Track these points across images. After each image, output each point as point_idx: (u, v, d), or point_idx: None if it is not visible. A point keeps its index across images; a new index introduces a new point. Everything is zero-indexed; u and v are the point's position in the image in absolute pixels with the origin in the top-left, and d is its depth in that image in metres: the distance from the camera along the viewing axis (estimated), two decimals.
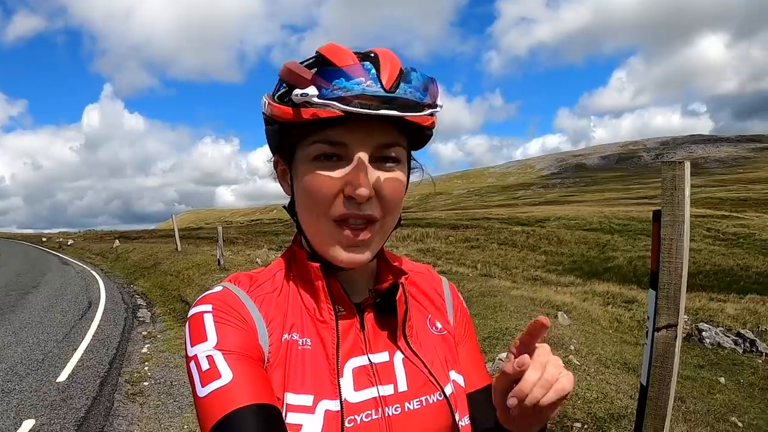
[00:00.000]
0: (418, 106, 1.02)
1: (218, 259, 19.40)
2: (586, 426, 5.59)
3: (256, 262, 19.88)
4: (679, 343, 2.96)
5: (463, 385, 1.20)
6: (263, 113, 1.12)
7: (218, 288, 1.13)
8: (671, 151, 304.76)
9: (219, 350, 0.99)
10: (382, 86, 0.98)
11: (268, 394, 0.98)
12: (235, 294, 1.11)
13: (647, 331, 3.09)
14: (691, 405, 7.48)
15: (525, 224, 45.34)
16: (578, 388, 6.50)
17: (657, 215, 3.03)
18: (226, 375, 0.95)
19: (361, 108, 0.96)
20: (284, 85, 1.06)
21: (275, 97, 1.07)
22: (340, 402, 1.04)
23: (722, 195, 74.84)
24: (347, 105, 0.96)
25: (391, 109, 0.98)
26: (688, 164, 2.92)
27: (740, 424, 7.16)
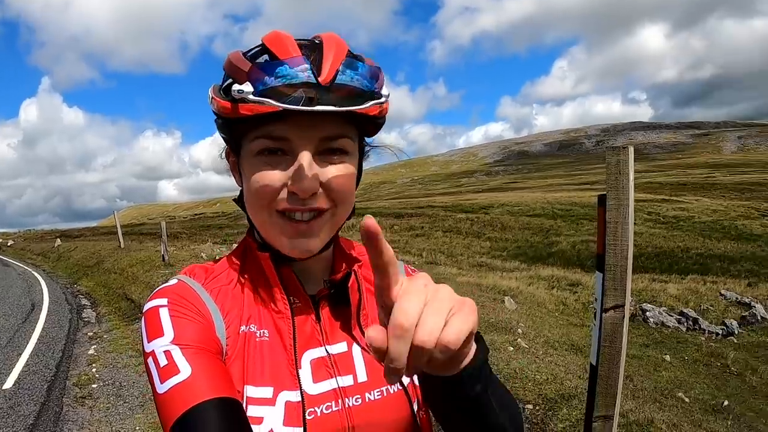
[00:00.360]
0: (362, 98, 0.99)
1: (162, 255, 19.17)
2: (537, 407, 5.69)
3: (201, 257, 19.70)
4: (626, 322, 3.04)
5: (416, 381, 1.14)
6: (210, 105, 1.08)
7: (173, 281, 1.11)
8: (612, 138, 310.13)
9: (176, 345, 0.97)
10: (321, 79, 0.95)
11: (228, 388, 0.95)
12: (191, 287, 1.09)
13: (595, 312, 3.16)
14: (639, 382, 7.67)
15: (469, 211, 45.74)
16: (528, 370, 6.61)
17: (602, 199, 3.08)
18: (185, 370, 0.93)
19: (298, 104, 0.94)
20: (229, 77, 1.03)
21: (222, 89, 1.04)
22: (301, 393, 1.03)
23: (662, 180, 76.47)
24: (285, 101, 0.94)
25: (329, 104, 0.95)
26: (631, 149, 2.99)
27: (687, 399, 7.38)
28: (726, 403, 7.47)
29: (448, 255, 28.52)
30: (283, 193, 1.02)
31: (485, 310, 10.58)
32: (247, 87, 0.95)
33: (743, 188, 58.28)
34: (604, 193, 3.07)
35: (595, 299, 3.18)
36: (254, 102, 0.95)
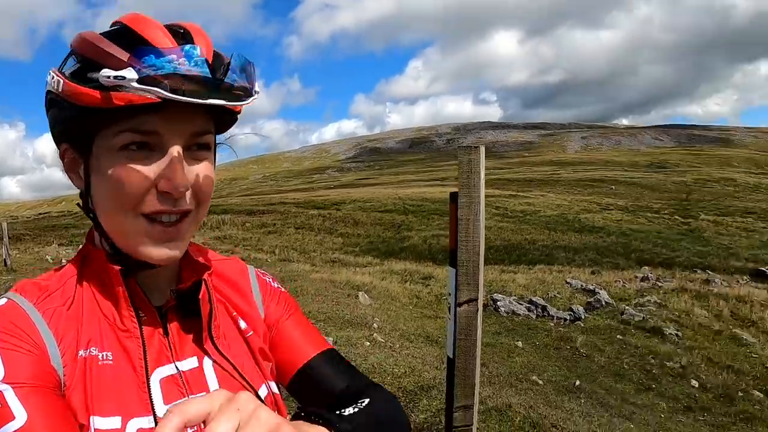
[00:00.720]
0: (241, 92, 0.93)
1: (4, 260, 18.07)
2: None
3: (47, 260, 18.73)
4: (480, 315, 3.14)
5: (276, 391, 1.13)
6: (52, 92, 0.96)
7: (2, 300, 0.96)
8: (462, 136, 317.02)
9: (9, 384, 0.85)
10: (210, 70, 0.87)
11: (69, 431, 0.87)
12: (22, 308, 0.94)
13: (450, 307, 3.24)
14: (494, 369, 7.97)
15: (321, 208, 45.66)
16: (386, 364, 6.70)
17: (454, 197, 3.15)
18: (21, 416, 0.83)
19: (186, 95, 0.85)
20: (79, 60, 0.92)
21: (68, 74, 0.92)
22: (154, 417, 0.95)
23: (510, 176, 79.06)
24: (171, 91, 0.84)
25: (219, 98, 0.88)
26: (482, 149, 3.08)
27: (541, 382, 7.76)
28: (578, 383, 7.94)
29: (300, 252, 28.47)
30: (151, 194, 0.93)
31: (340, 306, 10.62)
32: (130, 73, 0.84)
33: (585, 184, 61.46)
34: (457, 190, 3.14)
35: (449, 294, 3.26)
36: (136, 91, 0.84)
